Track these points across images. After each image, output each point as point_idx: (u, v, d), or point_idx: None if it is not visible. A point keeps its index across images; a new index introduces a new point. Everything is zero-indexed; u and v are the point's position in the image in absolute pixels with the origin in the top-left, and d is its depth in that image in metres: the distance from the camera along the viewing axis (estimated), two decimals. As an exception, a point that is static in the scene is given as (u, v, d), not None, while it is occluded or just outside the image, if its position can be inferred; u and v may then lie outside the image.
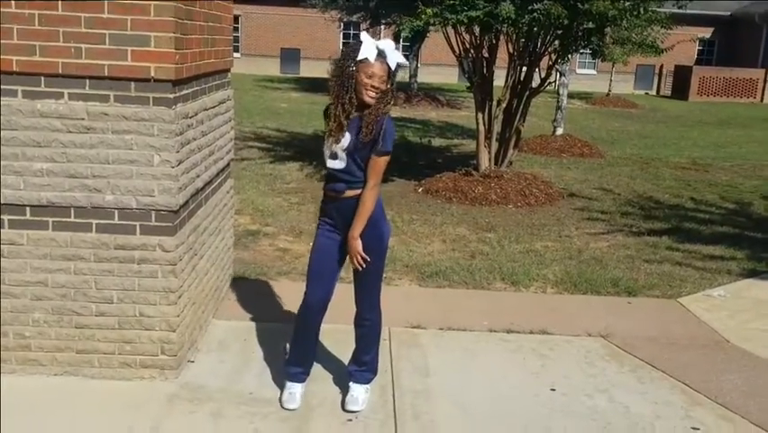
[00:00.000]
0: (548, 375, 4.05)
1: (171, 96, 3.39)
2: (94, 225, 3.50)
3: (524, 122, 9.32)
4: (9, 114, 3.36)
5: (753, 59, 30.95)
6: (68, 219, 3.48)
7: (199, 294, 4.11)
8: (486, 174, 8.81)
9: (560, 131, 13.91)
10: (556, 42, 8.90)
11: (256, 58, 31.99)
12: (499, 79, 8.78)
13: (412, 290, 5.39)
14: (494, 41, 8.79)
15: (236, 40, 31.17)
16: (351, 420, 3.46)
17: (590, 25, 7.90)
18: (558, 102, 14.14)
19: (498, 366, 4.15)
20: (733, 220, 8.14)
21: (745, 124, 19.96)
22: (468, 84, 9.24)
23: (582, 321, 4.85)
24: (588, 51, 9.61)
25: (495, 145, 9.07)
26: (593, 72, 31.92)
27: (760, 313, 5.22)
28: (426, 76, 28.49)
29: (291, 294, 4.47)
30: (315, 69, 27.34)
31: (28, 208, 3.47)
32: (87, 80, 3.35)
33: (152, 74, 3.34)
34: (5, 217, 3.48)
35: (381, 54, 3.18)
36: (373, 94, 3.19)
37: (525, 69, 9.04)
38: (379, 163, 3.27)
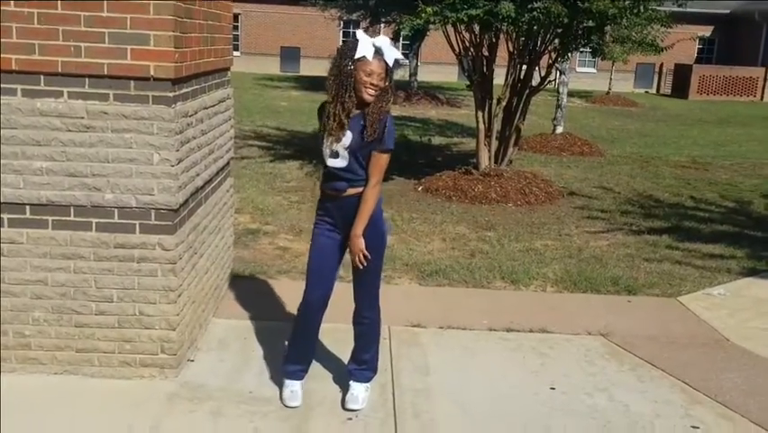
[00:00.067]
0: (548, 374, 4.05)
1: (171, 94, 3.39)
2: (93, 224, 3.50)
3: (524, 120, 9.32)
4: (9, 112, 3.36)
5: (753, 57, 30.94)
6: (67, 218, 3.48)
7: (199, 293, 4.11)
8: (486, 173, 8.81)
9: (560, 129, 13.91)
10: (556, 41, 8.90)
11: (256, 56, 31.97)
12: (499, 78, 8.78)
13: (412, 289, 5.39)
14: (494, 40, 8.79)
15: (236, 38, 31.16)
16: (351, 419, 3.46)
17: (590, 24, 7.90)
18: (558, 100, 14.14)
19: (498, 365, 4.15)
20: (733, 219, 8.14)
21: (745, 122, 19.96)
22: (468, 82, 9.24)
23: (582, 320, 4.85)
24: (588, 50, 9.61)
25: (495, 144, 9.06)
26: (593, 71, 31.92)
27: (760, 312, 5.22)
28: (426, 74, 28.49)
29: (291, 293, 4.47)
30: (315, 67, 27.32)
31: (28, 207, 3.47)
32: (87, 79, 3.35)
33: (152, 73, 3.34)
34: (5, 216, 3.47)
35: (379, 51, 3.18)
36: (372, 92, 3.19)
37: (525, 67, 9.04)
38: (382, 161, 3.28)
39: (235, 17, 28.41)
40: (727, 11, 32.26)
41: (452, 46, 9.12)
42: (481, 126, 8.97)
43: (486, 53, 8.87)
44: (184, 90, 3.60)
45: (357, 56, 3.16)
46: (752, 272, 6.11)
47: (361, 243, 3.31)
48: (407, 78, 24.29)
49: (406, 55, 27.18)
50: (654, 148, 13.89)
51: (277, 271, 5.53)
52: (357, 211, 3.31)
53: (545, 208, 8.25)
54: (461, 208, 8.02)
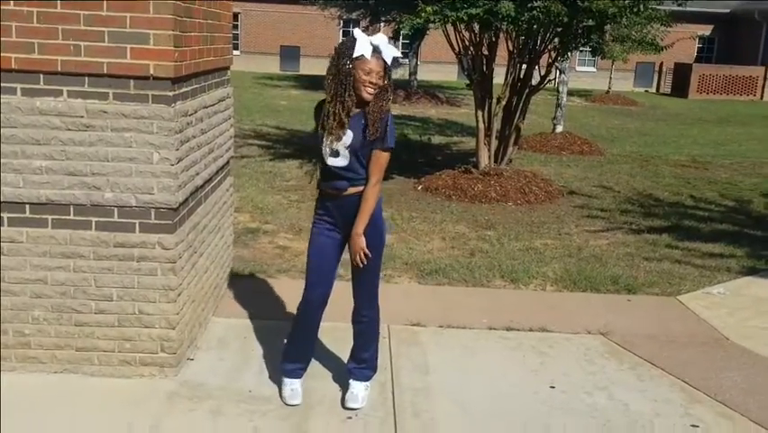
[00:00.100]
0: (547, 373, 4.05)
1: (170, 93, 3.39)
2: (93, 223, 3.50)
3: (523, 119, 9.32)
4: (8, 111, 3.36)
5: (752, 56, 30.94)
6: (67, 217, 3.48)
7: (199, 292, 4.11)
8: (485, 172, 8.81)
9: (559, 128, 13.91)
10: (556, 40, 8.90)
11: (255, 55, 31.97)
12: (499, 77, 8.78)
13: (412, 288, 5.39)
14: (494, 39, 8.79)
15: (236, 37, 31.15)
16: (350, 418, 3.46)
17: (590, 23, 7.90)
18: (558, 99, 14.14)
19: (498, 364, 4.15)
20: (732, 218, 8.14)
21: (745, 121, 19.96)
22: (468, 81, 9.24)
23: (582, 319, 4.85)
24: (587, 49, 9.61)
25: (495, 143, 9.06)
26: (593, 70, 31.92)
27: (759, 311, 5.22)
28: (426, 73, 28.49)
29: (291, 292, 4.47)
30: (315, 66, 27.32)
31: (27, 206, 3.47)
32: (86, 78, 3.35)
33: (151, 72, 3.34)
34: (5, 215, 3.47)
35: (377, 50, 3.18)
36: (372, 90, 3.19)
37: (524, 66, 9.04)
38: (383, 160, 3.29)
39: (235, 16, 28.39)
40: (727, 10, 32.27)
41: (451, 45, 9.11)
42: (481, 125, 8.97)
43: (486, 52, 8.87)
44: (184, 89, 3.60)
45: (355, 55, 3.16)
46: (751, 271, 6.11)
47: (362, 241, 3.32)
48: (407, 77, 24.30)
49: (405, 54, 27.20)
50: (654, 147, 13.89)
51: (276, 270, 5.53)
52: (357, 210, 3.31)
53: (545, 207, 8.25)
54: (461, 207, 8.02)
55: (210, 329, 4.36)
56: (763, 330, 4.85)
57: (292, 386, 3.58)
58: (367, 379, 3.63)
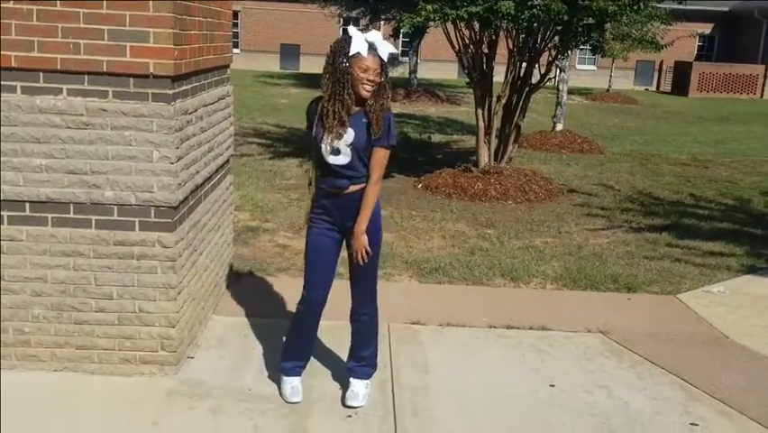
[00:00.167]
0: (547, 371, 4.05)
1: (170, 92, 3.39)
2: (93, 222, 3.50)
3: (523, 118, 9.31)
4: (8, 110, 3.36)
5: (752, 54, 30.93)
6: (67, 215, 3.48)
7: (199, 290, 4.11)
8: (485, 170, 8.81)
9: (559, 127, 13.91)
10: (556, 38, 8.90)
11: (255, 54, 31.97)
12: (499, 75, 8.77)
13: (411, 287, 5.39)
14: (494, 37, 8.78)
15: (236, 35, 31.14)
16: (350, 416, 3.47)
17: (590, 21, 7.89)
18: (558, 98, 14.13)
19: (498, 362, 4.15)
20: (732, 216, 8.14)
21: (745, 120, 19.96)
22: (468, 80, 9.24)
23: (582, 317, 4.85)
24: (588, 47, 9.62)
25: (495, 141, 9.06)
26: (593, 68, 31.91)
27: (759, 309, 5.22)
28: (426, 72, 28.48)
29: (290, 290, 4.47)
30: (315, 64, 27.23)
31: (27, 204, 3.47)
32: (86, 76, 3.35)
33: (151, 70, 3.34)
34: (5, 213, 3.47)
35: (372, 47, 3.18)
36: (369, 87, 3.20)
37: (524, 64, 9.03)
38: (384, 157, 3.30)
39: (235, 14, 28.40)
40: (727, 8, 32.26)
41: (451, 43, 9.11)
42: (481, 124, 8.97)
43: (486, 51, 8.86)
44: (183, 87, 3.60)
45: (351, 53, 3.16)
46: (751, 270, 6.11)
47: (364, 239, 3.32)
48: (407, 76, 24.29)
49: (405, 52, 27.20)
50: (654, 145, 13.89)
51: (276, 269, 5.53)
52: (357, 208, 3.31)
53: (545, 206, 8.25)
54: (461, 206, 8.02)
55: (210, 327, 4.36)
56: (762, 328, 4.85)
57: (292, 384, 3.58)
58: (367, 377, 3.63)
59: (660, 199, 8.90)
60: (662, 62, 30.43)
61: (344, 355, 3.75)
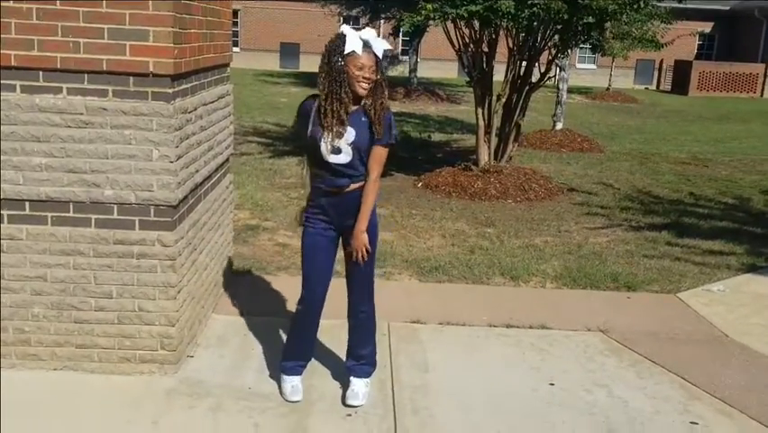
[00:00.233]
0: (547, 370, 4.05)
1: (170, 90, 3.39)
2: (93, 220, 3.50)
3: (523, 117, 9.31)
4: (8, 108, 3.36)
5: (752, 53, 30.93)
6: (67, 214, 3.48)
7: (198, 289, 4.11)
8: (485, 169, 8.81)
9: (559, 126, 13.90)
10: (556, 37, 8.89)
11: (255, 52, 31.96)
12: (499, 74, 8.77)
13: (411, 285, 5.39)
14: (494, 36, 8.78)
15: (235, 34, 31.14)
16: (350, 415, 3.47)
17: (590, 20, 7.88)
18: (558, 97, 14.13)
19: (498, 361, 4.15)
20: (732, 215, 8.14)
21: (745, 118, 19.95)
22: (468, 79, 9.23)
23: (581, 316, 4.85)
24: (587, 46, 9.60)
25: (495, 140, 9.06)
26: (593, 67, 31.90)
27: (759, 308, 5.22)
28: (426, 70, 28.48)
29: (290, 289, 4.47)
30: (315, 63, 27.05)
31: (27, 203, 3.47)
32: (86, 75, 3.35)
33: (151, 69, 3.34)
34: (5, 212, 3.47)
35: (367, 45, 3.19)
36: (366, 85, 3.20)
37: (524, 63, 9.03)
38: (383, 155, 3.31)
39: (235, 13, 28.39)
40: (727, 7, 32.24)
41: (451, 42, 9.10)
42: (481, 123, 8.96)
43: (486, 49, 8.86)
44: (183, 86, 3.60)
45: (346, 51, 3.16)
46: (751, 269, 6.11)
47: (365, 238, 3.33)
48: (407, 75, 24.29)
49: (405, 51, 27.19)
50: (654, 144, 13.89)
51: (276, 268, 5.53)
52: (355, 206, 3.31)
53: (545, 205, 8.25)
54: (461, 205, 8.02)
55: (210, 326, 4.36)
56: (762, 327, 4.85)
57: (292, 383, 3.58)
58: (367, 375, 3.63)
59: (660, 198, 8.90)
60: (662, 61, 30.42)
61: (343, 354, 3.75)
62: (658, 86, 31.54)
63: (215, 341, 4.18)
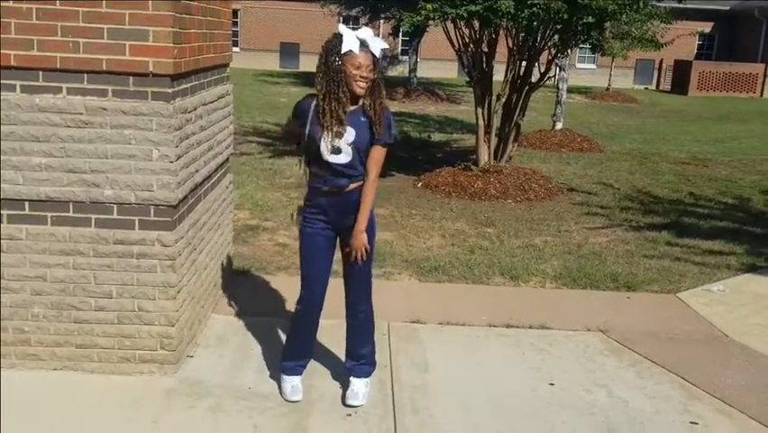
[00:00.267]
0: (547, 370, 4.05)
1: (170, 90, 3.39)
2: (93, 220, 3.50)
3: (523, 116, 9.31)
4: (7, 108, 3.36)
5: (752, 53, 30.94)
6: (66, 214, 3.48)
7: (198, 289, 4.11)
8: (485, 169, 8.81)
9: (559, 125, 13.90)
10: (556, 37, 8.89)
11: (255, 52, 31.96)
12: (499, 74, 8.77)
13: (411, 285, 5.39)
14: (493, 36, 8.78)
15: (235, 34, 31.14)
16: (350, 415, 3.47)
17: (590, 20, 7.89)
18: (557, 97, 14.13)
19: (497, 361, 4.15)
20: (732, 215, 8.14)
21: (745, 118, 19.96)
22: (467, 79, 9.23)
23: (581, 316, 4.85)
24: (587, 46, 9.60)
25: (494, 140, 9.06)
26: (593, 67, 31.90)
27: (759, 308, 5.22)
28: (426, 70, 28.48)
29: (290, 289, 4.47)
30: (315, 63, 27.24)
31: (27, 203, 3.46)
32: (86, 75, 3.35)
33: (151, 69, 3.33)
34: (5, 212, 3.47)
35: (364, 44, 3.18)
36: (363, 84, 3.20)
37: (524, 63, 9.03)
38: (382, 155, 3.32)
39: (234, 13, 28.39)
40: (727, 7, 32.25)
41: (451, 42, 9.10)
42: (481, 123, 8.96)
43: (485, 49, 8.86)
44: (183, 86, 3.60)
45: (343, 50, 3.16)
46: (751, 268, 6.11)
47: (364, 238, 3.33)
48: (407, 74, 24.29)
49: (405, 51, 27.18)
50: (654, 144, 13.89)
51: (276, 268, 5.53)
52: (354, 206, 3.31)
53: (545, 205, 8.25)
54: (461, 205, 8.02)
55: (210, 326, 4.36)
56: (762, 327, 4.85)
57: (292, 383, 3.58)
58: (367, 375, 3.63)
59: (659, 198, 8.90)
60: (661, 61, 30.43)
61: (343, 354, 3.74)
62: (658, 86, 31.55)
63: (215, 341, 4.18)
